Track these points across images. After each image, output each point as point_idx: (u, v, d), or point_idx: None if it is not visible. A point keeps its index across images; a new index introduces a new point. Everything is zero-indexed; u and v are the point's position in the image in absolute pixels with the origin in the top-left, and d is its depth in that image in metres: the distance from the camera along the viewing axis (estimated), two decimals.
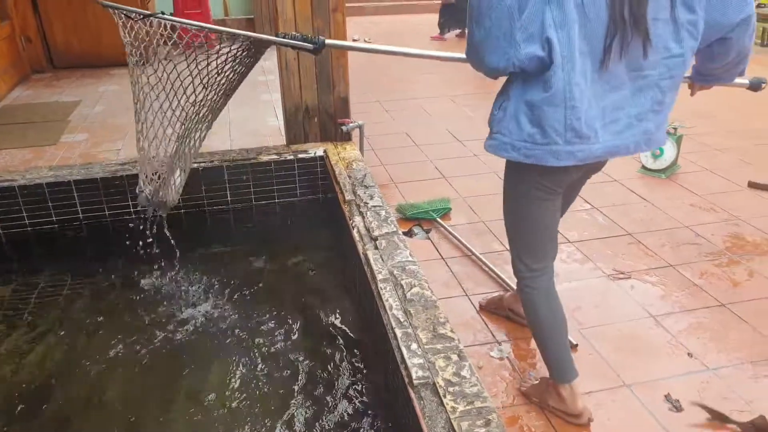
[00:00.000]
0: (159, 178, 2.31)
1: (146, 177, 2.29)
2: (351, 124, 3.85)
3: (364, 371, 2.44)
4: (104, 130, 4.68)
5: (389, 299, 2.05)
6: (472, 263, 3.12)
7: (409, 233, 3.43)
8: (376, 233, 2.47)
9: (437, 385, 1.66)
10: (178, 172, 2.44)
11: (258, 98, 5.59)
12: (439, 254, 3.22)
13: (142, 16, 1.99)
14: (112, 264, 3.31)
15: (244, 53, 2.02)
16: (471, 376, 1.69)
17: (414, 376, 1.70)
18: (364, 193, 2.83)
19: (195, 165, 3.45)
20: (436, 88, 6.49)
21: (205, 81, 2.09)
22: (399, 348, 1.82)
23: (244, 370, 2.59)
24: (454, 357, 1.77)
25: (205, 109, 2.20)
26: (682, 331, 2.60)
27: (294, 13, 3.61)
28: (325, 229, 3.58)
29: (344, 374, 2.46)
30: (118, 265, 3.30)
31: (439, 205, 3.62)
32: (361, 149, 3.99)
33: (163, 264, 3.16)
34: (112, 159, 3.86)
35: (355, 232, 2.53)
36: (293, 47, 1.96)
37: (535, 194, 1.84)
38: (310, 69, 3.78)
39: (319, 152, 3.66)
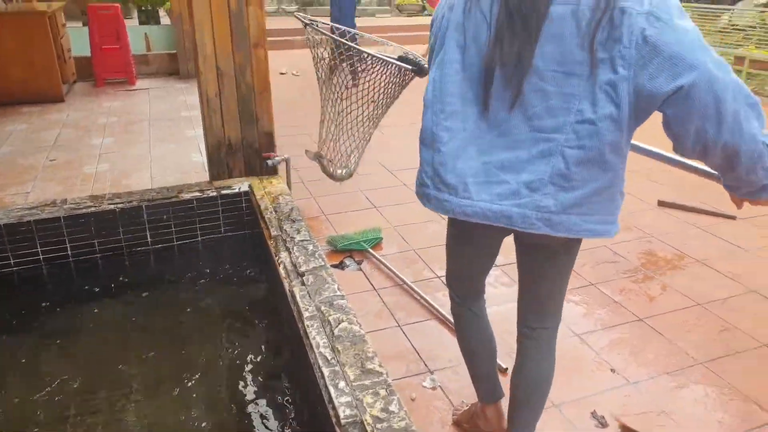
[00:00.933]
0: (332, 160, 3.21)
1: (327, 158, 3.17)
2: (276, 158, 3.82)
3: (293, 411, 2.38)
4: (12, 171, 4.43)
5: (316, 337, 2.01)
6: (404, 292, 3.13)
7: (340, 265, 3.41)
8: (303, 269, 2.44)
9: (365, 422, 1.63)
10: (352, 157, 3.29)
11: (181, 134, 5.47)
12: (372, 285, 3.21)
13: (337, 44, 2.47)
14: (17, 317, 3.09)
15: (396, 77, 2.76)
16: (399, 410, 1.68)
17: (342, 415, 1.67)
18: (291, 227, 2.80)
19: (112, 206, 3.31)
20: None
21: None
22: (326, 387, 1.79)
23: (157, 412, 2.46)
24: (383, 392, 1.75)
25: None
26: (604, 347, 2.69)
27: (214, 48, 3.57)
28: (251, 266, 3.50)
29: (271, 417, 2.39)
30: (24, 317, 3.08)
31: (371, 235, 3.63)
32: (289, 183, 3.96)
33: (74, 312, 2.99)
34: (19, 203, 3.65)
35: (281, 269, 2.49)
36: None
37: (450, 231, 1.83)
38: (232, 104, 3.74)
39: (244, 187, 3.60)
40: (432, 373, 2.54)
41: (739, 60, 7.27)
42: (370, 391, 1.76)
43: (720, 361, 2.57)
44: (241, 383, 2.60)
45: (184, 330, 2.99)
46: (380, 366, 1.88)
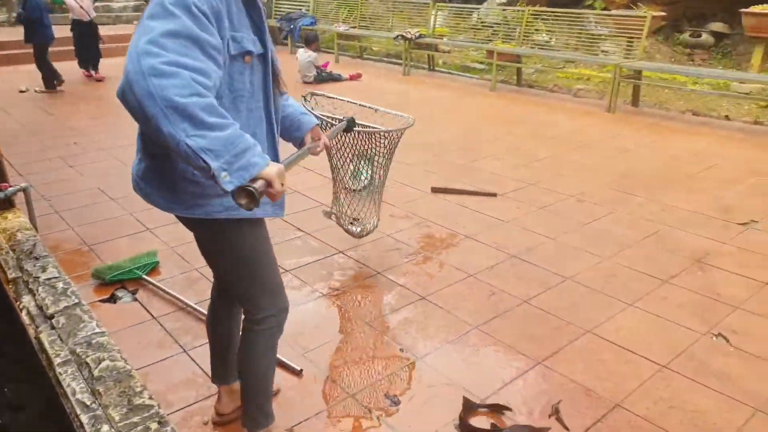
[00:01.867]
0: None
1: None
2: (11, 189, 3.28)
3: None
4: None
5: (71, 384, 1.77)
6: (188, 316, 2.93)
7: (112, 299, 3.09)
8: (51, 310, 2.13)
9: None
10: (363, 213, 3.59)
11: None
12: (150, 314, 2.96)
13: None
14: None
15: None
16: None
17: None
18: (34, 266, 2.44)
19: None
20: (124, 135, 5.96)
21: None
22: None
23: None
24: (154, 426, 1.60)
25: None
26: (392, 329, 2.81)
27: None
28: None
29: None
30: None
31: (144, 260, 3.34)
32: (32, 215, 3.46)
33: None
34: None
35: (24, 315, 2.15)
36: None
37: (261, 233, 1.89)
38: None
39: None
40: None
41: (490, 53, 8.21)
42: (140, 427, 1.60)
43: (491, 322, 2.84)
44: None
45: None
46: (150, 399, 1.71)
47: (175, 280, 3.24)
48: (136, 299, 3.08)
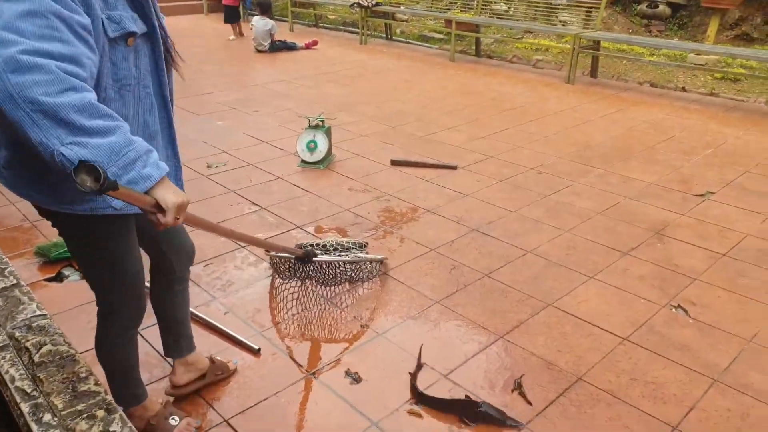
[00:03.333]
0: None
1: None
2: None
3: None
4: None
5: (9, 370, 1.63)
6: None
7: (58, 277, 2.93)
8: None
9: None
10: None
11: None
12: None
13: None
14: None
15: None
16: (122, 428, 1.44)
17: None
18: None
19: None
20: None
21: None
22: (27, 426, 1.46)
23: None
24: (101, 413, 1.49)
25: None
26: (353, 305, 2.74)
27: None
28: None
29: None
30: None
31: None
32: None
33: None
34: None
35: None
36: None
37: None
38: None
39: None
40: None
41: (448, 23, 8.08)
42: (85, 415, 1.49)
43: (453, 297, 2.80)
44: None
45: None
46: (96, 385, 1.60)
47: None
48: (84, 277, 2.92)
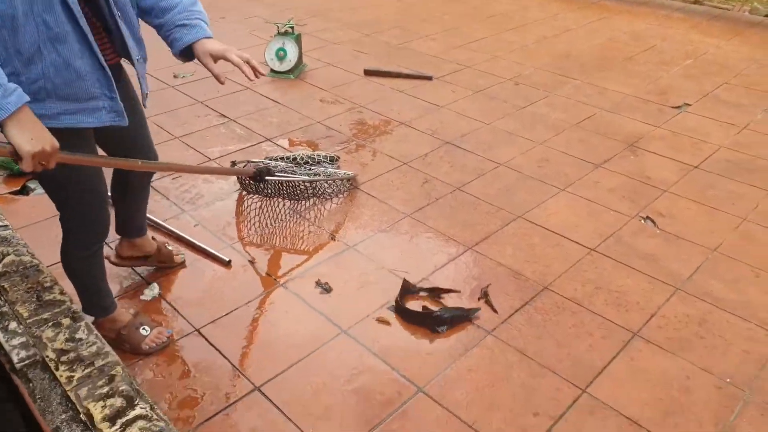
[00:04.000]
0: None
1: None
2: None
3: None
4: None
5: None
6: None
7: (23, 191, 2.85)
8: None
9: (47, 359, 1.37)
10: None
11: None
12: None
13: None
14: None
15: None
16: (88, 335, 1.44)
17: (15, 359, 1.38)
18: None
19: None
20: None
21: None
22: None
23: None
24: (66, 321, 1.48)
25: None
26: (324, 218, 2.72)
27: None
28: None
29: None
30: None
31: None
32: None
33: None
34: None
35: None
36: None
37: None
38: None
39: None
40: (150, 284, 2.31)
41: None
42: (51, 323, 1.48)
43: (424, 209, 2.79)
44: None
45: None
46: (61, 294, 1.58)
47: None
48: None
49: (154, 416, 1.22)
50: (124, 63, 1.71)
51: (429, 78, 4.22)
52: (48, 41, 1.36)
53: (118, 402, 1.25)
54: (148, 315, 2.16)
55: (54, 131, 1.42)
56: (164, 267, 2.38)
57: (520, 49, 4.80)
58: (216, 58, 1.69)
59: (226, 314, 2.19)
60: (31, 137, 1.28)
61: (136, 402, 1.25)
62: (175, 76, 4.15)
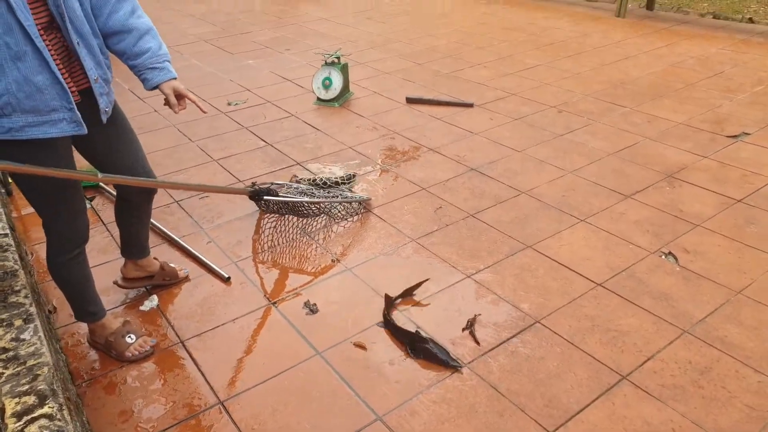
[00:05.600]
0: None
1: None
2: None
3: None
4: None
5: None
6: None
7: None
8: None
9: None
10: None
11: None
12: (101, 220, 2.97)
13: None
14: None
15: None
16: (32, 336, 1.54)
17: None
18: None
19: None
20: None
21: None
22: None
23: None
24: (18, 322, 1.60)
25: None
26: (330, 240, 2.75)
27: None
28: None
29: None
30: None
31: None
32: None
33: None
34: None
35: None
36: None
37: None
38: None
39: None
40: (151, 295, 2.43)
41: None
42: (5, 323, 1.61)
43: (431, 235, 2.74)
44: None
45: None
46: (25, 297, 1.71)
47: None
48: (91, 206, 3.08)
49: (58, 416, 1.28)
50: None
51: (470, 105, 4.17)
52: (9, 59, 1.54)
53: (31, 400, 1.32)
54: (142, 325, 2.27)
55: (21, 143, 1.62)
56: (169, 284, 2.50)
57: (572, 77, 4.64)
58: (177, 94, 1.97)
59: (212, 329, 2.25)
60: None
61: (47, 402, 1.32)
62: (228, 104, 4.39)
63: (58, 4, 1.60)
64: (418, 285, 2.39)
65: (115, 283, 2.41)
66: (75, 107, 1.69)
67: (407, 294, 2.36)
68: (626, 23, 6.10)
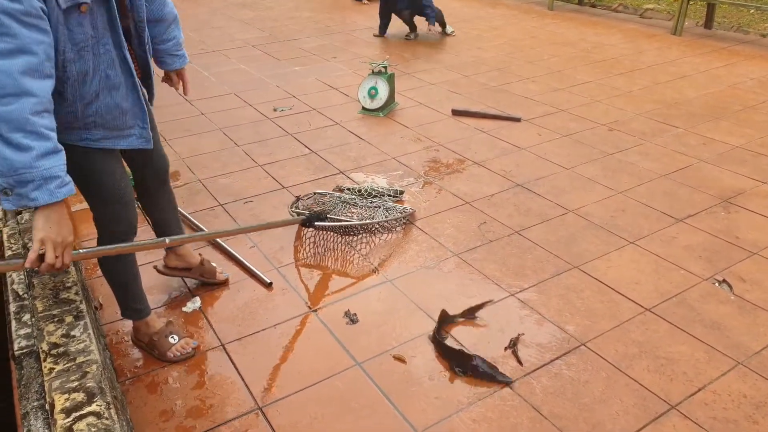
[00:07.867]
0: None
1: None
2: None
3: None
4: None
5: (12, 275, 1.84)
6: (183, 225, 2.98)
7: None
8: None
9: (41, 350, 1.51)
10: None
11: None
12: (147, 220, 3.03)
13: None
14: None
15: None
16: (82, 333, 1.57)
17: (16, 347, 1.54)
18: None
19: None
20: None
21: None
22: (10, 323, 1.64)
23: None
24: (69, 318, 1.64)
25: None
26: (372, 252, 2.73)
27: None
28: None
29: None
30: None
31: None
32: None
33: None
34: None
35: None
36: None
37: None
38: None
39: None
40: (194, 296, 2.46)
41: None
42: (56, 319, 1.64)
43: (474, 251, 2.71)
44: None
45: None
46: (76, 294, 1.75)
47: (179, 190, 3.27)
48: (138, 205, 3.15)
49: (105, 415, 1.30)
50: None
51: (517, 120, 4.12)
52: (106, 89, 1.65)
53: (80, 397, 1.34)
54: (184, 326, 2.30)
55: (94, 150, 1.73)
56: (206, 282, 2.53)
57: (624, 95, 4.54)
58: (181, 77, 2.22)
59: (253, 333, 2.27)
60: (50, 225, 1.49)
61: (95, 399, 1.34)
62: (274, 110, 4.45)
63: (140, 30, 1.77)
64: (481, 306, 2.33)
65: (155, 268, 2.47)
66: (148, 126, 1.82)
67: (469, 313, 2.31)
68: (682, 41, 5.95)
